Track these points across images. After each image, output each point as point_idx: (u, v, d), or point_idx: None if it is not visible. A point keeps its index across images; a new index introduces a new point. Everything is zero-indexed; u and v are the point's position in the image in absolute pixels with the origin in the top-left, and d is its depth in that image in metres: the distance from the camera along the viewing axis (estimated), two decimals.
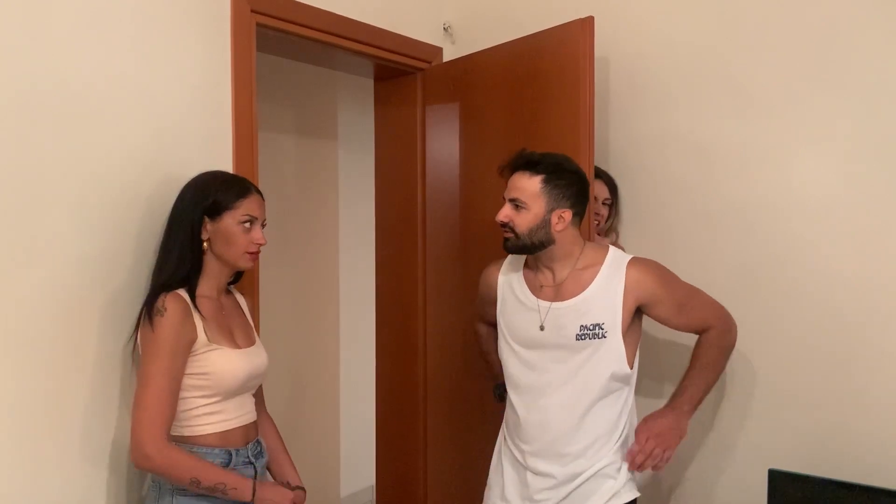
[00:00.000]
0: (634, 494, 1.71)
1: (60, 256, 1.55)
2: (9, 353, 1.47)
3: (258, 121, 2.00)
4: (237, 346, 1.60)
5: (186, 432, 1.53)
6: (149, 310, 1.50)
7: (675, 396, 1.72)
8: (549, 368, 1.71)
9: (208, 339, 1.53)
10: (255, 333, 1.73)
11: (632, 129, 2.16)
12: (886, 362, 1.76)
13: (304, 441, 3.35)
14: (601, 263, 1.70)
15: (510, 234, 1.70)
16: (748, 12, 1.95)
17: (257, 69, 1.98)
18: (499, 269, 1.87)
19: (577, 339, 1.66)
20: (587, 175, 1.79)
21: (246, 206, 1.59)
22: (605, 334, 1.65)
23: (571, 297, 1.69)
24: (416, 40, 2.49)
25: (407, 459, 2.63)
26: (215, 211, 1.57)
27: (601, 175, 2.12)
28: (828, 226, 1.84)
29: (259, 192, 1.65)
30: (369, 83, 2.76)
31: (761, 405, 1.95)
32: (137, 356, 1.68)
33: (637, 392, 1.77)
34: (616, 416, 1.70)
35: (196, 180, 1.63)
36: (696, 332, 1.76)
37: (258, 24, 1.98)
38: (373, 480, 2.87)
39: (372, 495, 3.17)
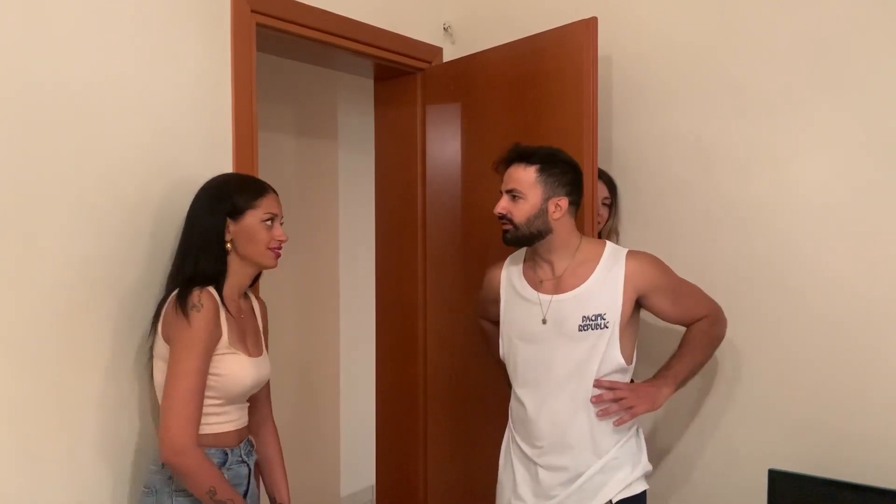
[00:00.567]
0: (644, 486, 1.73)
1: (60, 256, 1.55)
2: (9, 353, 1.47)
3: (258, 121, 2.00)
4: (250, 354, 1.61)
5: None
6: (182, 303, 1.48)
7: (660, 371, 1.76)
8: (552, 363, 1.71)
9: (228, 343, 1.54)
10: (265, 343, 1.73)
11: (633, 129, 2.16)
12: (886, 362, 1.76)
13: (304, 441, 3.35)
14: (600, 256, 1.73)
15: (509, 226, 1.73)
16: (750, 13, 1.95)
17: (257, 69, 1.98)
18: (500, 270, 1.90)
19: (580, 330, 1.68)
20: (583, 168, 1.82)
21: (266, 205, 1.61)
22: (607, 325, 1.67)
23: (572, 289, 1.71)
24: (416, 40, 2.49)
25: (407, 459, 2.63)
26: (237, 211, 1.58)
27: (601, 175, 2.12)
28: (828, 226, 1.84)
29: (274, 191, 1.66)
30: (369, 83, 2.76)
31: (761, 405, 1.95)
32: (142, 353, 1.69)
33: None
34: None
35: (211, 184, 1.64)
36: (688, 324, 1.78)
37: (258, 24, 1.98)
38: (373, 480, 2.86)
39: (372, 495, 3.18)
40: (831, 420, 1.84)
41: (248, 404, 1.68)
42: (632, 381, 1.76)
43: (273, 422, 1.81)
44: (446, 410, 2.51)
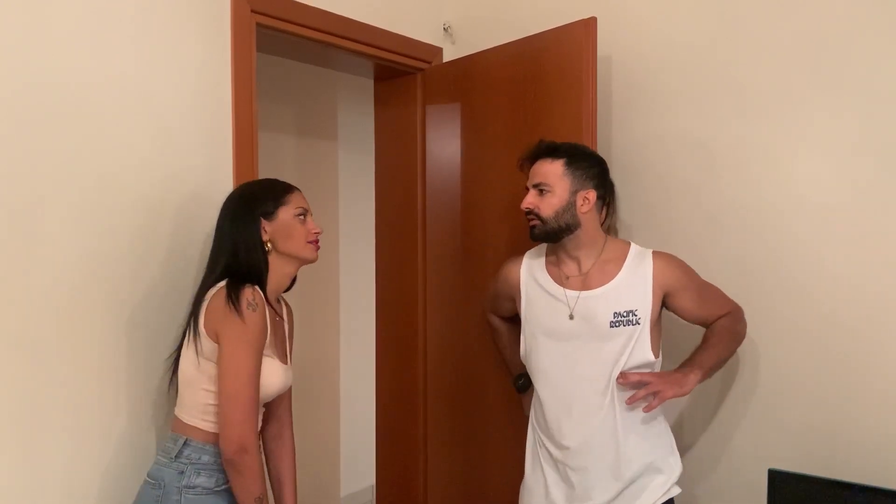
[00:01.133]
0: (678, 490, 1.74)
1: (60, 255, 1.55)
2: (9, 353, 1.47)
3: (258, 121, 2.00)
4: (282, 361, 1.61)
5: (202, 425, 1.52)
6: (236, 300, 1.45)
7: (685, 362, 1.72)
8: (580, 360, 1.70)
9: (266, 345, 1.53)
10: (289, 352, 1.71)
11: (633, 129, 2.16)
12: (886, 362, 1.76)
13: (304, 441, 3.34)
14: (626, 255, 1.74)
15: (536, 221, 1.72)
16: (751, 13, 1.95)
17: (257, 69, 1.98)
18: (519, 265, 1.87)
19: (611, 327, 1.67)
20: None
21: (296, 200, 1.62)
22: (639, 321, 1.67)
23: (601, 286, 1.71)
24: (416, 40, 2.49)
25: (407, 459, 2.63)
26: (269, 211, 1.58)
27: None
28: (828, 226, 1.84)
29: (300, 189, 1.66)
30: (369, 83, 2.76)
31: (761, 405, 1.95)
32: (143, 352, 1.69)
33: None
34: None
35: (237, 193, 1.65)
36: (710, 324, 1.77)
37: (258, 24, 1.98)
38: (373, 480, 2.86)
39: (372, 495, 3.18)
40: (831, 420, 1.84)
41: (263, 409, 1.65)
42: None
43: (291, 436, 1.77)
44: (446, 410, 2.51)
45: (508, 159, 1.97)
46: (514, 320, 1.97)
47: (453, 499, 2.48)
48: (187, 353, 1.54)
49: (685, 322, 1.81)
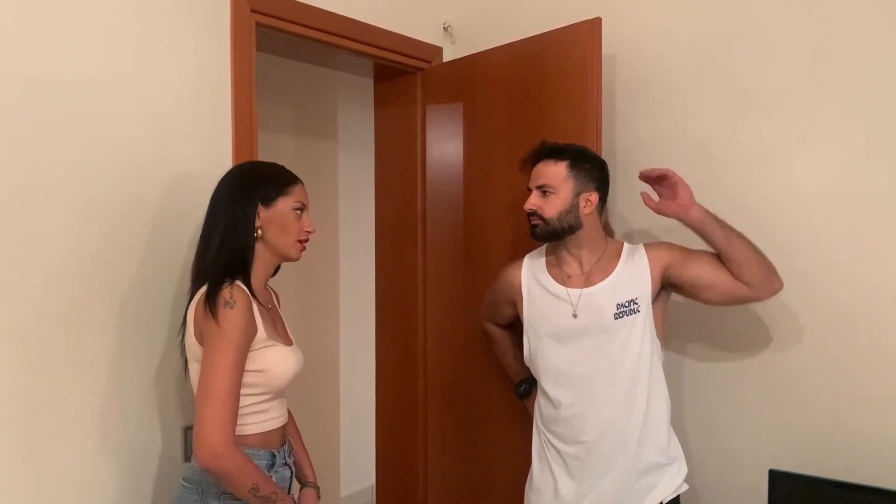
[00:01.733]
0: (686, 487, 1.76)
1: (61, 254, 1.55)
2: (10, 352, 1.47)
3: (258, 121, 2.00)
4: (287, 344, 1.57)
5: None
6: (212, 301, 1.41)
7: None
8: (588, 356, 1.72)
9: (266, 336, 1.49)
10: (289, 331, 1.68)
11: (637, 129, 2.16)
12: (886, 362, 1.76)
13: (304, 441, 3.34)
14: (621, 251, 1.77)
15: (538, 222, 1.74)
16: (754, 13, 1.95)
17: (257, 69, 1.98)
18: (520, 269, 1.88)
19: (616, 319, 1.69)
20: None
21: (297, 193, 1.56)
22: (639, 308, 1.69)
23: (601, 281, 1.73)
24: (416, 40, 2.49)
25: (407, 459, 2.63)
26: (269, 197, 1.52)
27: None
28: (829, 226, 1.83)
29: (303, 182, 1.61)
30: (369, 83, 2.76)
31: (761, 405, 1.95)
32: (145, 351, 1.69)
33: None
34: (658, 396, 1.73)
35: (240, 169, 1.60)
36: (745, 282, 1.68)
37: (258, 24, 1.98)
38: (373, 480, 2.86)
39: (372, 495, 3.17)
40: (831, 420, 1.84)
41: (286, 399, 1.63)
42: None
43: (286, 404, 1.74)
44: (446, 410, 2.51)
45: (510, 159, 1.97)
46: (511, 327, 1.97)
47: (453, 499, 2.48)
48: (192, 363, 1.52)
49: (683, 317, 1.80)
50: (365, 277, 3.00)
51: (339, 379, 3.78)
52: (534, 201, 1.73)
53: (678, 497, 1.75)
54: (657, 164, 2.10)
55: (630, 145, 2.16)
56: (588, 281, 1.74)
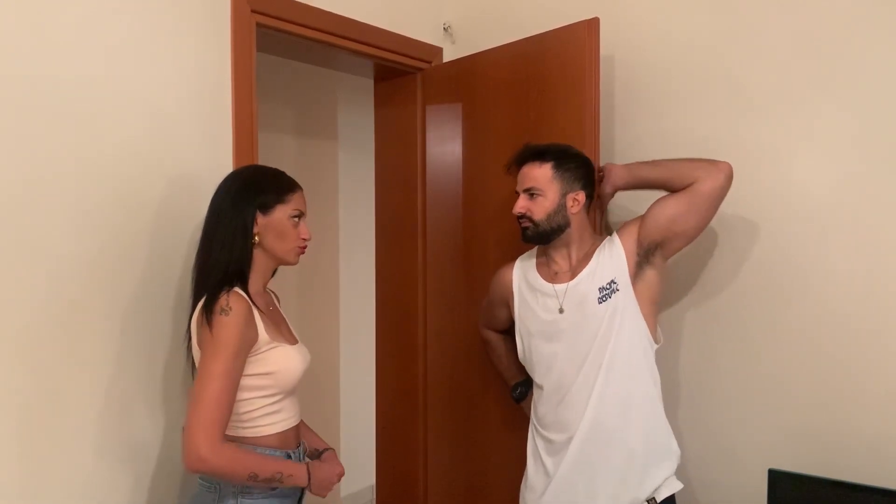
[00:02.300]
0: (680, 486, 1.75)
1: (61, 255, 1.55)
2: (10, 353, 1.47)
3: (258, 121, 2.00)
4: (291, 343, 1.59)
5: (248, 433, 1.50)
6: (209, 309, 1.44)
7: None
8: (578, 344, 1.73)
9: (269, 338, 1.50)
10: (293, 330, 1.70)
11: (636, 129, 2.16)
12: (886, 362, 1.76)
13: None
14: (601, 242, 1.80)
15: (528, 224, 1.77)
16: (752, 12, 1.95)
17: (257, 69, 1.98)
18: (512, 269, 1.93)
19: (600, 303, 1.71)
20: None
21: (296, 201, 1.58)
22: (619, 287, 1.71)
23: (584, 270, 1.76)
24: (416, 40, 2.49)
25: (407, 459, 2.63)
26: (267, 205, 1.54)
27: None
28: (828, 225, 1.83)
29: (302, 189, 1.63)
30: (369, 83, 2.76)
31: (761, 405, 1.95)
32: (146, 351, 1.69)
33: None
34: (649, 383, 1.74)
35: (240, 174, 1.61)
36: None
37: (258, 24, 1.98)
38: (373, 480, 2.86)
39: (372, 495, 3.18)
40: (831, 420, 1.84)
41: (297, 399, 1.64)
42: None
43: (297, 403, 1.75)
44: (446, 410, 2.51)
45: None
46: (509, 332, 1.98)
47: (453, 498, 2.48)
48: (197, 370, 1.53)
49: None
50: (365, 277, 3.00)
51: (339, 379, 3.78)
52: (522, 204, 1.76)
53: (673, 496, 1.74)
54: None
55: (629, 145, 2.17)
56: (573, 275, 1.77)
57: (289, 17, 2.06)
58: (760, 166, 1.93)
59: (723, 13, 2.00)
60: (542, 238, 1.78)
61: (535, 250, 1.90)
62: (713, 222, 2.02)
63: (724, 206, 2.01)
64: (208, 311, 1.44)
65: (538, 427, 1.83)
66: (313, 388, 3.59)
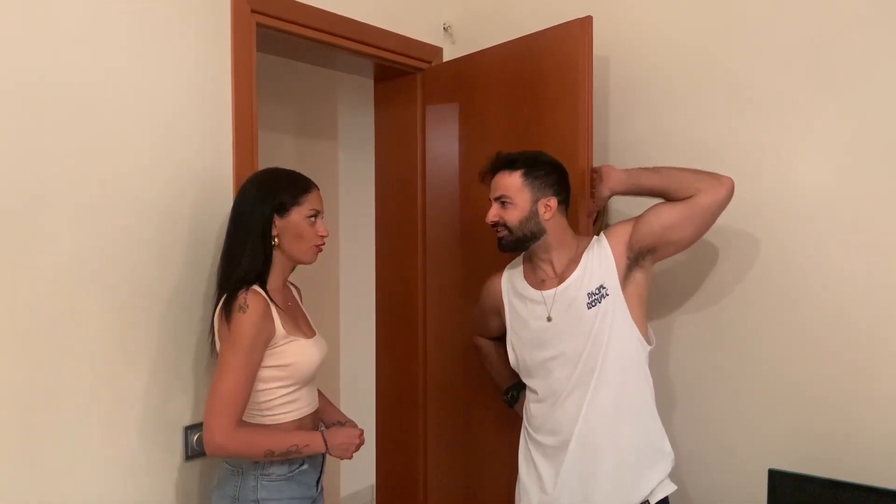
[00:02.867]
0: (673, 487, 1.75)
1: (61, 255, 1.55)
2: (13, 353, 1.47)
3: (258, 121, 2.00)
4: (308, 336, 1.67)
5: (268, 421, 1.61)
6: (228, 307, 1.54)
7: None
8: (569, 349, 1.72)
9: (286, 333, 1.60)
10: (311, 322, 1.79)
11: (631, 129, 2.16)
12: (887, 362, 1.76)
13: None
14: (588, 245, 1.79)
15: (503, 232, 1.77)
16: (749, 12, 1.95)
17: (257, 69, 1.98)
18: (500, 278, 1.93)
19: (589, 308, 1.71)
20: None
21: (311, 201, 1.66)
22: (608, 292, 1.71)
23: (572, 275, 1.75)
24: (416, 40, 2.49)
25: (407, 459, 2.63)
26: (283, 208, 1.62)
27: None
28: (828, 225, 1.83)
29: (317, 187, 1.70)
30: (369, 83, 2.76)
31: (761, 405, 1.95)
32: (148, 351, 1.69)
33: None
34: (641, 385, 1.74)
35: (257, 179, 1.69)
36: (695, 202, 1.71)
37: (258, 24, 1.98)
38: (373, 480, 2.87)
39: (372, 495, 3.18)
40: (831, 420, 1.84)
41: (316, 387, 1.74)
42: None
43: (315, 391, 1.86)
44: (446, 410, 2.51)
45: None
46: (502, 339, 1.98)
47: (453, 498, 2.48)
48: None
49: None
50: (365, 277, 3.00)
51: (339, 378, 3.78)
52: (495, 213, 1.77)
53: (667, 498, 1.74)
54: (653, 163, 2.11)
55: (623, 146, 2.17)
56: (560, 280, 1.77)
57: (289, 17, 2.06)
58: (759, 167, 1.93)
59: (720, 13, 2.00)
60: (517, 245, 1.78)
61: (521, 258, 1.90)
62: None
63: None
64: (227, 310, 1.54)
65: (530, 431, 1.83)
66: None
